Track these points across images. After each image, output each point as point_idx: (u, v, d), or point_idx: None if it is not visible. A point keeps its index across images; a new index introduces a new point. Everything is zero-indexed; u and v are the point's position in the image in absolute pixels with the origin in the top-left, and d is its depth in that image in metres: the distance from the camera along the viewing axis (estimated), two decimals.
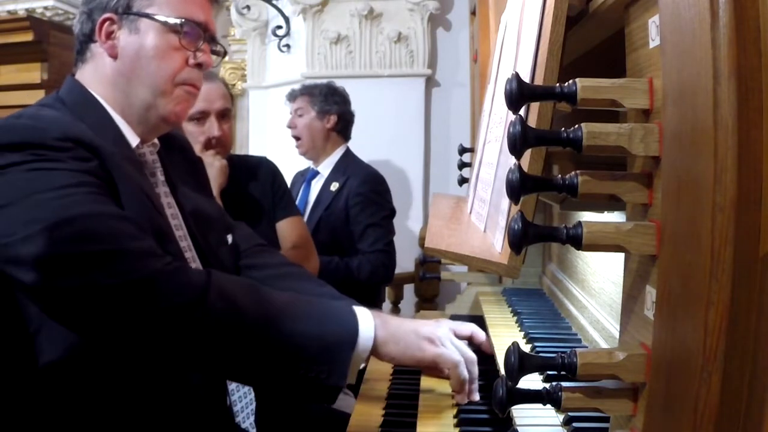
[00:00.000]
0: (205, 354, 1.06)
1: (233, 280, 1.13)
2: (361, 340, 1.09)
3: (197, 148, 2.16)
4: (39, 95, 2.76)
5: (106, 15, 1.25)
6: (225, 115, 2.24)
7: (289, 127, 3.02)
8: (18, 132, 1.08)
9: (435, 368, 1.20)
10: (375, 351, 1.12)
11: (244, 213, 2.23)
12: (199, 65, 1.29)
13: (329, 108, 2.94)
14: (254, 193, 2.33)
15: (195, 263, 1.31)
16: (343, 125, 3.01)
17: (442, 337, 1.19)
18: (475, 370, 1.22)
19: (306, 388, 1.06)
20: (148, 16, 1.25)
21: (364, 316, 1.13)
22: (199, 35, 1.29)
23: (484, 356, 1.42)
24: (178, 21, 1.26)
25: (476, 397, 1.21)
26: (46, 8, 3.87)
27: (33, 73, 2.77)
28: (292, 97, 3.04)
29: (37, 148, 1.06)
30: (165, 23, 1.25)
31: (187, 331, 1.03)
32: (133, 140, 1.27)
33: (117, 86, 1.26)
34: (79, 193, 1.04)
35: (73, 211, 1.01)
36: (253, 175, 2.36)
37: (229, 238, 1.48)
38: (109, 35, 1.25)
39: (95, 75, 1.27)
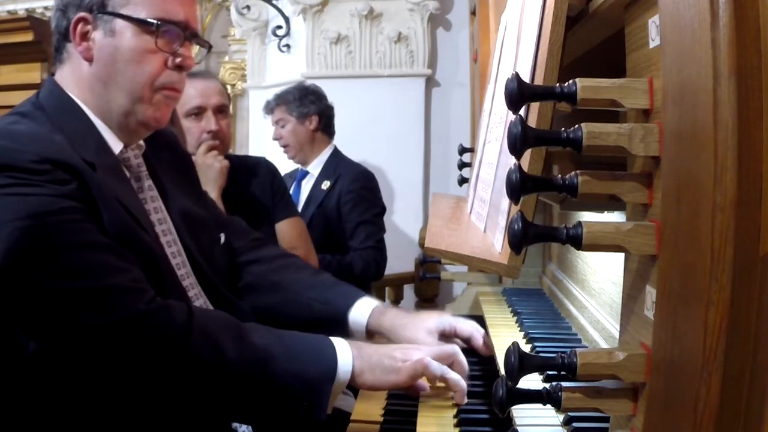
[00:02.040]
0: (187, 393, 1.07)
1: (215, 318, 1.13)
2: (340, 374, 1.11)
3: (201, 149, 2.17)
4: None
5: (81, 14, 1.17)
6: (222, 111, 2.24)
7: (275, 139, 3.03)
8: None
9: (416, 387, 1.20)
10: (352, 381, 1.14)
11: (243, 213, 2.22)
12: (179, 67, 1.22)
13: (307, 110, 2.94)
14: (253, 194, 2.33)
15: (185, 268, 1.29)
16: (326, 122, 3.01)
17: (417, 354, 1.18)
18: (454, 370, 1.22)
19: (287, 420, 1.09)
20: (122, 16, 1.17)
21: (342, 348, 1.14)
22: (179, 35, 1.21)
23: (484, 356, 1.42)
24: (153, 21, 1.18)
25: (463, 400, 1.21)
26: (46, 8, 3.87)
27: (33, 73, 2.76)
28: (269, 109, 3.03)
29: (14, 171, 1.02)
30: (140, 23, 1.17)
31: (169, 371, 1.04)
32: (116, 146, 1.21)
33: (94, 91, 1.20)
34: (58, 221, 1.01)
35: (53, 242, 1.00)
36: (253, 176, 2.36)
37: (222, 236, 1.45)
38: (84, 36, 1.18)
39: (72, 77, 1.21)
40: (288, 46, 3.87)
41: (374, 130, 3.58)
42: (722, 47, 0.56)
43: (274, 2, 3.81)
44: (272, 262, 1.51)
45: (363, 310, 1.38)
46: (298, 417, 1.08)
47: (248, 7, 3.95)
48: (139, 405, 1.11)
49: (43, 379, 1.10)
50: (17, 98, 3.01)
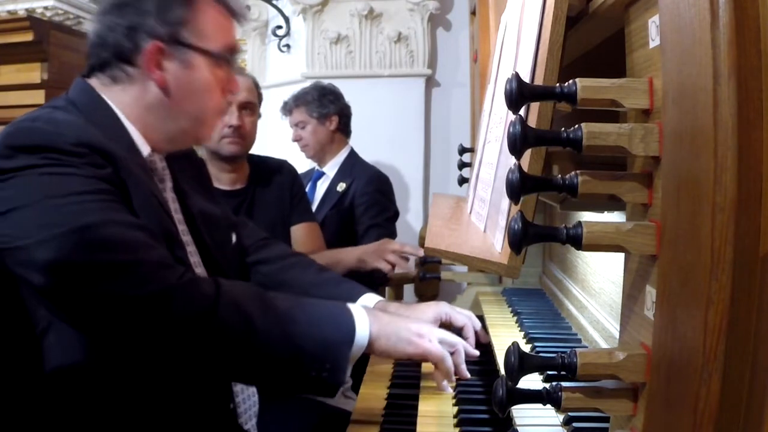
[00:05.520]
0: (216, 361, 1.09)
1: (240, 288, 1.15)
2: (358, 338, 1.15)
3: (222, 143, 2.18)
4: (39, 95, 2.75)
5: (156, 43, 1.19)
6: (247, 108, 2.23)
7: (295, 141, 3.01)
8: (35, 135, 1.07)
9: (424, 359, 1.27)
10: (369, 346, 1.17)
11: (260, 214, 2.24)
12: (230, 92, 1.32)
13: (327, 110, 2.94)
14: (272, 195, 2.33)
15: (199, 268, 1.32)
16: (344, 122, 3.02)
17: (430, 333, 1.25)
18: (462, 353, 1.30)
19: (309, 386, 1.11)
20: (198, 49, 1.22)
21: (360, 315, 1.18)
22: (234, 62, 1.30)
23: (481, 351, 1.43)
24: (225, 53, 1.26)
25: (466, 375, 1.30)
26: (46, 8, 3.86)
27: (33, 73, 2.76)
28: (287, 110, 3.01)
29: (54, 152, 1.06)
30: (215, 57, 1.24)
31: (199, 341, 1.06)
32: (144, 149, 1.25)
33: (153, 113, 1.23)
34: (94, 200, 1.05)
35: (88, 219, 1.02)
36: (273, 177, 2.36)
37: (233, 236, 1.50)
38: (157, 65, 1.20)
39: (127, 95, 1.22)
40: (288, 46, 3.87)
41: (374, 130, 3.58)
42: (722, 47, 0.56)
43: (274, 2, 3.81)
44: (279, 261, 1.57)
45: (366, 303, 1.43)
46: (320, 381, 1.11)
47: (248, 7, 3.93)
48: (151, 415, 1.14)
49: (57, 393, 1.11)
50: (17, 98, 3.02)
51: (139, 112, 1.23)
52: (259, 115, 2.36)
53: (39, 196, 1.03)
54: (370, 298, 1.45)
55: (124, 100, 1.23)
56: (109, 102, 1.22)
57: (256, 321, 1.08)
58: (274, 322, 1.10)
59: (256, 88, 2.32)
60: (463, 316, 1.44)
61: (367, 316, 1.18)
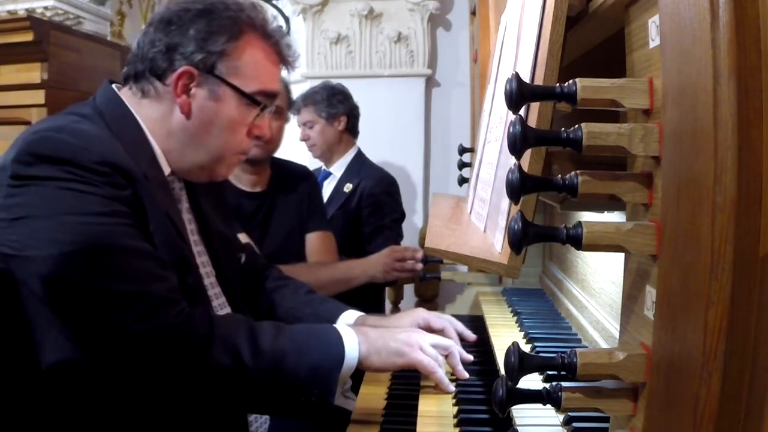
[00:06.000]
0: (208, 396, 1.11)
1: (231, 323, 1.16)
2: (347, 360, 1.16)
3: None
4: (39, 95, 2.75)
5: (188, 68, 1.18)
6: (275, 112, 2.22)
7: (303, 140, 3.00)
8: (59, 147, 1.06)
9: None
10: (360, 364, 1.19)
11: (279, 218, 2.24)
12: (258, 137, 1.29)
13: (336, 110, 2.92)
14: (292, 201, 2.33)
15: (216, 289, 1.34)
16: (353, 123, 3.01)
17: (420, 340, 1.26)
18: (456, 354, 1.32)
19: (298, 410, 1.13)
20: (231, 86, 1.21)
21: (349, 336, 1.19)
22: (267, 106, 1.28)
23: (481, 351, 1.43)
24: (258, 96, 1.23)
25: (465, 375, 1.32)
26: (46, 8, 3.86)
27: (33, 73, 2.75)
28: (296, 109, 2.96)
29: (76, 168, 1.05)
30: (246, 97, 1.22)
31: (189, 378, 1.08)
32: (165, 168, 1.24)
33: (175, 137, 1.22)
34: (109, 223, 1.04)
35: (101, 241, 1.02)
36: (294, 183, 2.36)
37: (243, 258, 1.53)
38: (185, 89, 1.20)
39: (154, 112, 1.22)
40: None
41: (374, 130, 3.58)
42: (722, 47, 0.55)
43: (274, 2, 3.81)
44: (274, 282, 1.61)
45: (347, 319, 1.47)
46: (309, 405, 1.12)
47: None
48: (153, 409, 1.14)
49: (57, 395, 1.11)
50: (17, 98, 3.01)
51: (162, 133, 1.22)
52: (287, 119, 2.35)
53: (55, 210, 1.02)
54: (350, 315, 1.48)
55: (150, 116, 1.22)
56: (137, 116, 1.21)
57: (245, 358, 1.09)
58: (263, 358, 1.11)
59: (287, 93, 2.30)
60: (441, 319, 1.46)
61: (356, 336, 1.19)
